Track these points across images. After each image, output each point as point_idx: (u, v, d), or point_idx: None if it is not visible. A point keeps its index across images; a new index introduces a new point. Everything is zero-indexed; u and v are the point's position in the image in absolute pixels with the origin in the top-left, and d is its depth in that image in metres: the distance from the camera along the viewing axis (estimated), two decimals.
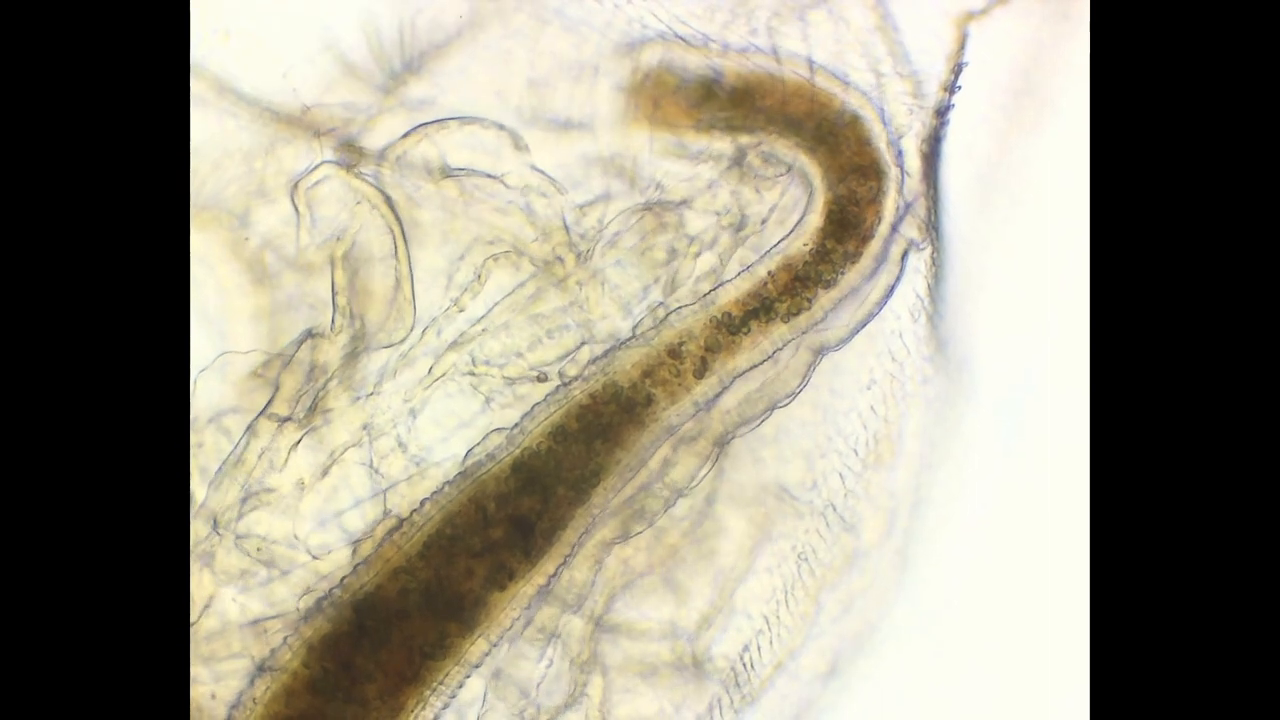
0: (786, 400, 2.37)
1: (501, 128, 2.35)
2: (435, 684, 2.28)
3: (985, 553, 2.48)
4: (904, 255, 2.38)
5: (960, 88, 2.40)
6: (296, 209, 2.33)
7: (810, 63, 2.36)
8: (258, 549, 2.29)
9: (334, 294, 2.32)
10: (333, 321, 2.32)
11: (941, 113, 2.40)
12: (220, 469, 2.30)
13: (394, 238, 2.33)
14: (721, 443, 2.35)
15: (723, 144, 2.37)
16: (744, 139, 2.37)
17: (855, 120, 2.36)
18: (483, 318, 2.34)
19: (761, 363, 2.34)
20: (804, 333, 2.35)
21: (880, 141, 2.36)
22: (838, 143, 2.36)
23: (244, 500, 2.29)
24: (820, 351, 2.36)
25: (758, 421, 2.36)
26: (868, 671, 2.46)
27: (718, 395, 2.34)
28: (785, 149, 2.36)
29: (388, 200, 2.33)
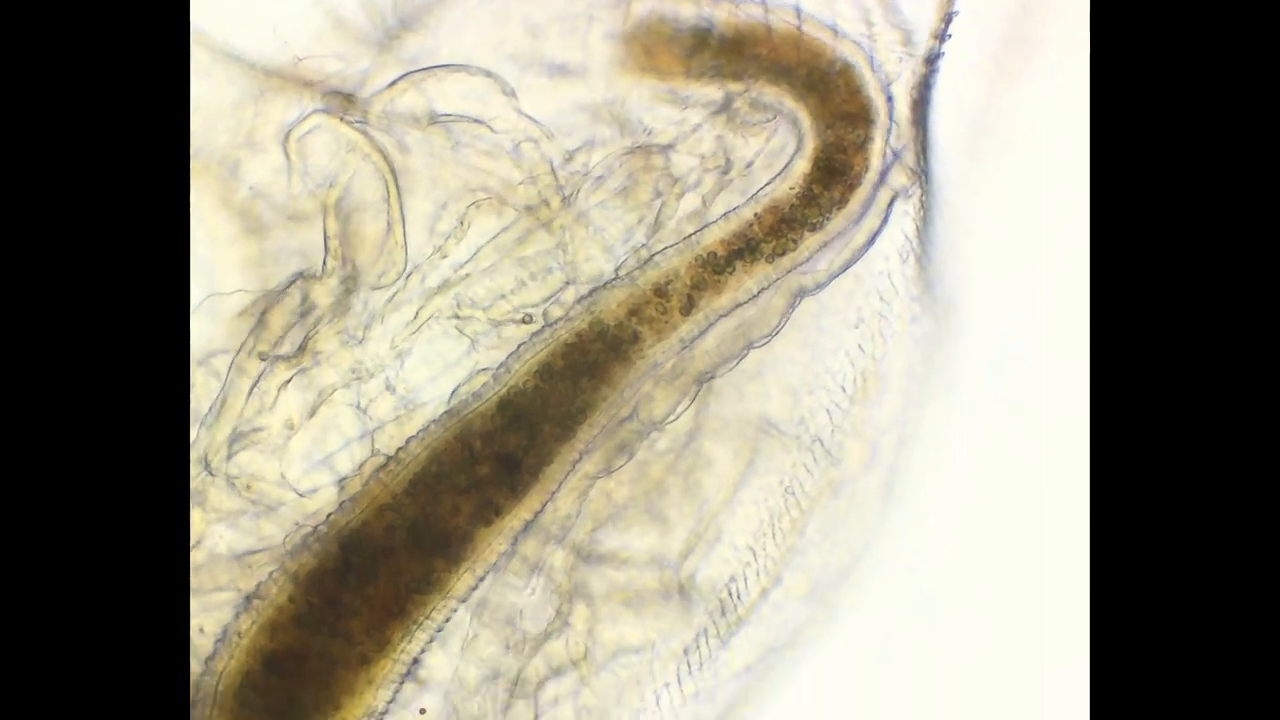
0: (763, 340, 2.38)
1: (488, 74, 2.36)
2: (422, 619, 2.29)
3: (974, 490, 2.48)
4: (890, 202, 2.38)
5: (950, 36, 2.41)
6: (288, 158, 2.35)
7: (800, 11, 2.37)
8: (248, 487, 2.30)
9: (325, 238, 2.34)
10: (324, 264, 2.33)
11: (931, 60, 2.41)
12: (211, 408, 2.31)
13: (386, 183, 2.34)
14: (701, 380, 2.36)
15: (713, 91, 2.38)
16: (734, 86, 2.37)
17: (846, 68, 2.37)
18: (468, 262, 2.35)
19: (745, 302, 2.34)
20: (788, 273, 2.35)
21: (870, 89, 2.38)
22: (828, 90, 2.37)
23: (234, 440, 2.30)
24: (800, 294, 2.36)
25: (736, 360, 2.37)
26: (854, 602, 2.46)
27: (701, 333, 2.34)
28: (775, 96, 2.37)
29: (380, 145, 2.35)
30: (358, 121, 2.36)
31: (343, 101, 2.36)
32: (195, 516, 2.30)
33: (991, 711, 2.49)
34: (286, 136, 2.36)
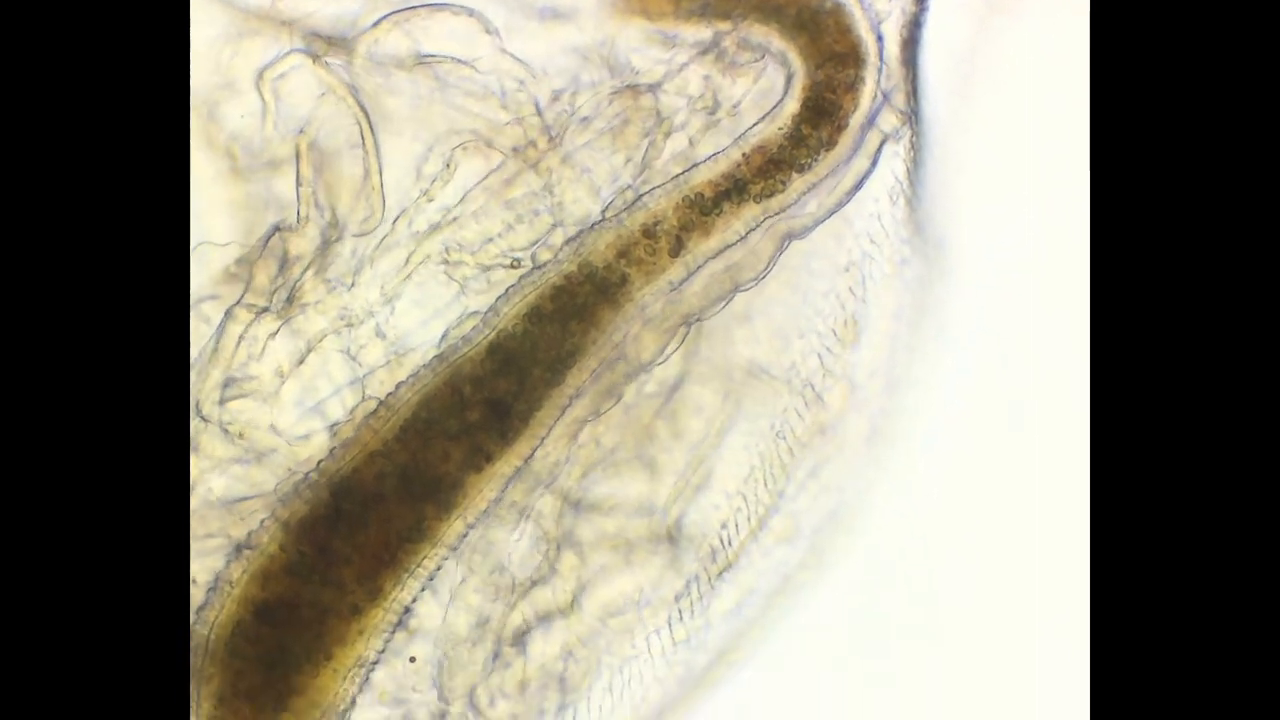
0: (751, 283, 2.37)
1: (471, 13, 2.34)
2: (413, 566, 2.29)
3: (966, 433, 2.48)
4: (880, 145, 2.38)
5: None
6: (263, 100, 2.33)
7: None
8: (240, 434, 2.29)
9: (298, 185, 2.32)
10: (298, 213, 2.32)
11: None
12: (201, 356, 2.30)
13: (360, 127, 2.33)
14: (689, 322, 2.35)
15: (702, 30, 2.37)
16: (722, 25, 2.36)
17: (836, 7, 2.36)
18: (457, 205, 2.34)
19: (733, 244, 2.34)
20: (776, 215, 2.35)
21: (860, 29, 2.36)
22: (818, 29, 2.36)
23: (225, 386, 2.30)
24: (788, 236, 2.36)
25: (724, 303, 2.36)
26: (846, 547, 2.46)
27: (690, 275, 2.33)
28: (764, 35, 2.35)
29: (352, 89, 2.33)
30: (334, 63, 2.34)
31: (322, 43, 2.34)
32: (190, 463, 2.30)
33: (985, 657, 2.50)
34: (260, 77, 2.34)
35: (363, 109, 2.33)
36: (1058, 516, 2.46)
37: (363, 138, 2.33)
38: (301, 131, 2.33)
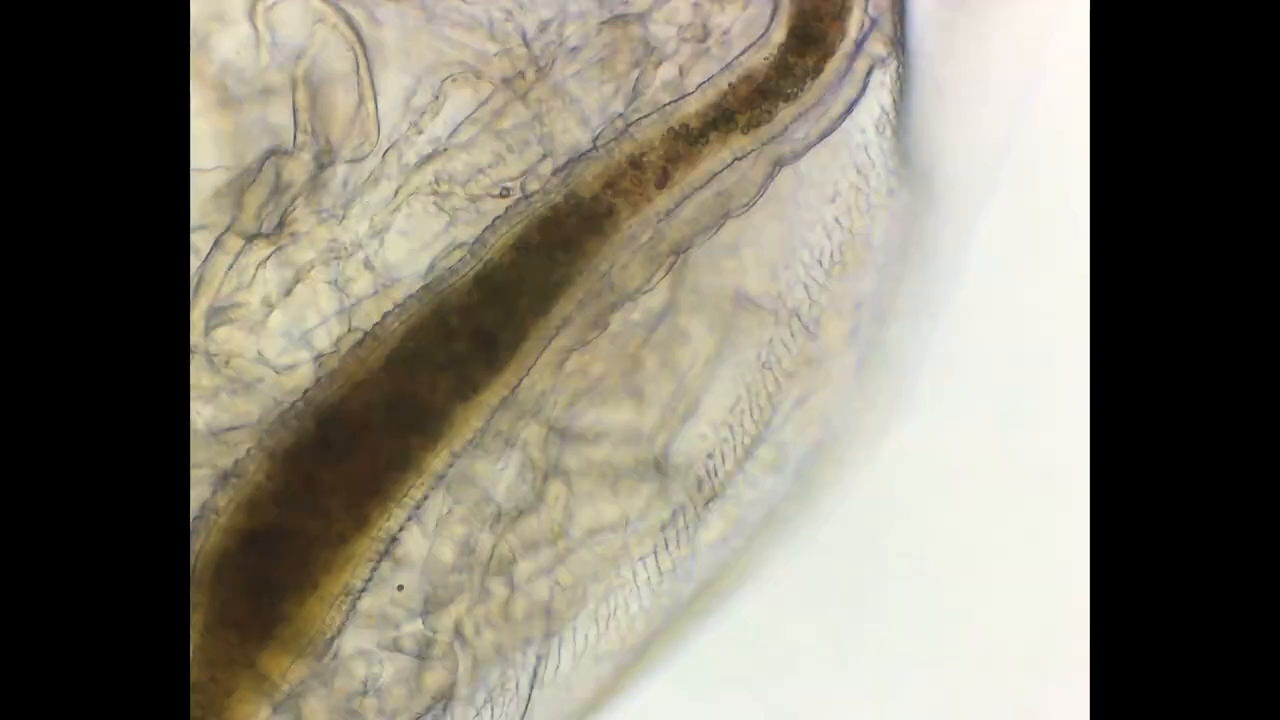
0: (741, 210, 2.37)
1: None
2: (400, 496, 2.29)
3: (952, 359, 2.47)
4: (868, 71, 2.37)
5: None
6: (256, 30, 2.32)
7: None
8: (226, 363, 2.30)
9: (295, 112, 2.32)
10: (295, 139, 2.32)
11: None
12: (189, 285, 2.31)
13: (355, 55, 2.32)
14: (677, 250, 2.35)
15: None
16: None
17: None
18: (449, 138, 2.33)
19: (720, 173, 2.33)
20: (765, 144, 2.34)
21: None
22: None
23: (211, 315, 2.30)
24: (778, 163, 2.35)
25: (712, 230, 2.36)
26: (832, 479, 2.47)
27: (677, 206, 2.33)
28: None
29: (347, 18, 2.32)
30: None
31: None
32: None
33: (976, 586, 2.51)
34: (254, 7, 2.33)
35: (357, 35, 2.33)
36: (1051, 449, 2.47)
37: (357, 64, 2.33)
38: (298, 58, 2.33)
